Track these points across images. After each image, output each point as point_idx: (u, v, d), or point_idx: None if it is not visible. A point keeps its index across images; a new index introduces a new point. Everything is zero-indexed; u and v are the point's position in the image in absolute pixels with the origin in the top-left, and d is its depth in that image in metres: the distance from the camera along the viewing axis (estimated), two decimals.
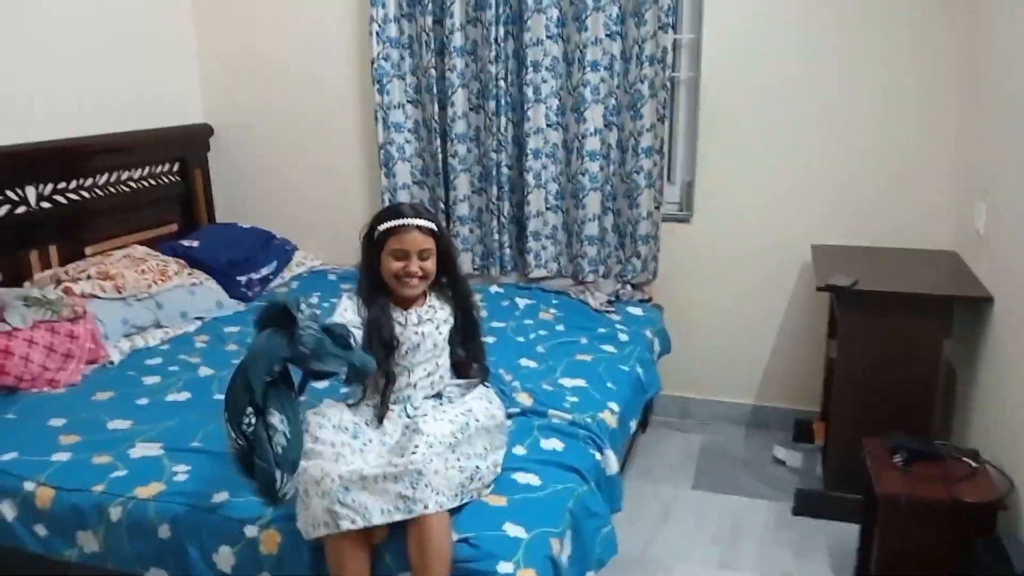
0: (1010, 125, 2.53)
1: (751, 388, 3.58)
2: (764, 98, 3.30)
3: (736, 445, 3.46)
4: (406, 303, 2.12)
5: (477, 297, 2.28)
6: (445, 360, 2.20)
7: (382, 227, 2.07)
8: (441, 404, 2.12)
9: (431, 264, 2.08)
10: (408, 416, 2.07)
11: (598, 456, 2.21)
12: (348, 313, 2.07)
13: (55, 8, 3.13)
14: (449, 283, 2.19)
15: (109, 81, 3.40)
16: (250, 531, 1.88)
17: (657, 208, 3.42)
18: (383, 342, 2.05)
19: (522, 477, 2.02)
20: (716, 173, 3.42)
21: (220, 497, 1.96)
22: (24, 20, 3.00)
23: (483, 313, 2.26)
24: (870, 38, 3.14)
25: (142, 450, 2.19)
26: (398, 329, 2.09)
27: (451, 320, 2.18)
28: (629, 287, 3.51)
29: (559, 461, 2.10)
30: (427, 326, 2.13)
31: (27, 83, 3.03)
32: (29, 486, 2.05)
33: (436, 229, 2.09)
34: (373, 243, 2.09)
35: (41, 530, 2.04)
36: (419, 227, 2.05)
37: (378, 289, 2.10)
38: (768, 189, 3.37)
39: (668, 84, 3.30)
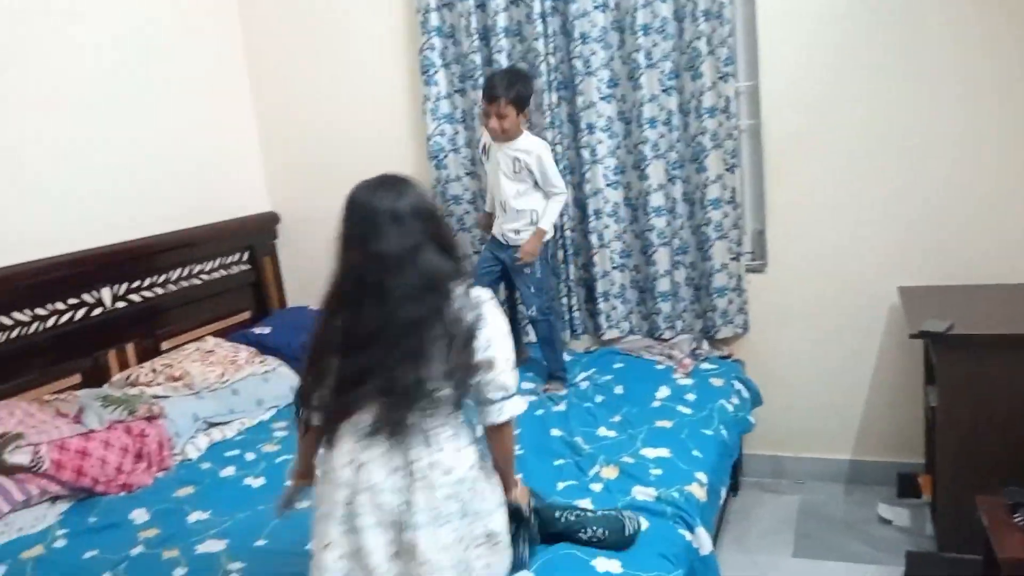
0: None
1: (847, 442, 3.36)
2: (831, 138, 3.16)
3: (836, 505, 3.24)
4: None
5: None
6: None
7: None
8: None
9: None
10: None
11: (688, 536, 2.06)
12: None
13: (113, 113, 3.21)
14: None
15: (176, 180, 3.48)
16: None
17: (735, 259, 3.30)
18: None
19: (602, 564, 1.89)
20: (788, 220, 3.28)
21: None
22: (87, 127, 3.10)
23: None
24: (941, 61, 2.98)
25: (208, 545, 2.18)
26: None
27: None
28: (706, 343, 3.38)
29: (645, 544, 1.97)
30: None
31: (95, 188, 3.11)
32: None
33: None
34: None
35: None
36: None
37: None
38: (844, 231, 3.21)
39: (734, 133, 3.21)
